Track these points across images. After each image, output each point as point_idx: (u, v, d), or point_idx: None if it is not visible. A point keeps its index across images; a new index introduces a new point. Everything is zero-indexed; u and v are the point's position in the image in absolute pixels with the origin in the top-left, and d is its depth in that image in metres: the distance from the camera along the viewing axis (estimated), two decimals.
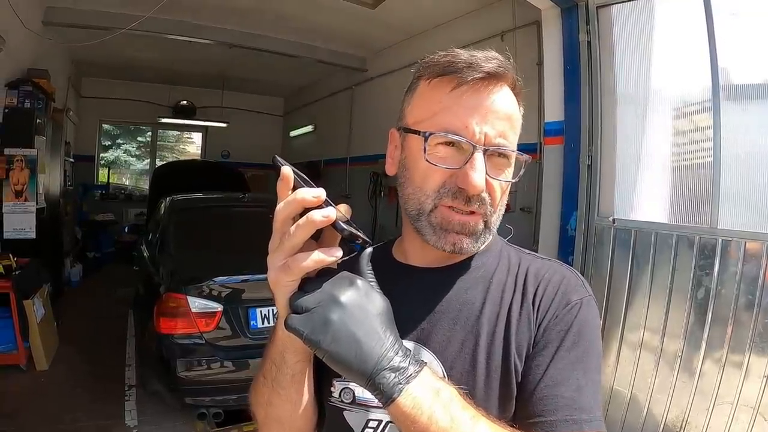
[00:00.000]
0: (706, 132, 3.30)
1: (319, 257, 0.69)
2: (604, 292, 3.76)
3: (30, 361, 4.71)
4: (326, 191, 0.69)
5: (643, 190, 3.76)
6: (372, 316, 0.72)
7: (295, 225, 0.67)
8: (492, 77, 0.83)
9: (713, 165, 3.23)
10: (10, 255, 4.83)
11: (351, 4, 5.98)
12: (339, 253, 0.70)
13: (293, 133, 12.38)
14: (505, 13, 5.51)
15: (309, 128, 11.50)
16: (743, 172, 3.14)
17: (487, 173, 0.82)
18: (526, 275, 0.91)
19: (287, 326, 0.71)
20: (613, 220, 3.80)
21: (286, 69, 9.54)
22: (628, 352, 3.66)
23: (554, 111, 4.32)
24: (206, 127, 12.60)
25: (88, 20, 6.50)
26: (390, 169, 0.95)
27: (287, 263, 0.69)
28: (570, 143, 4.15)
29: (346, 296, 0.71)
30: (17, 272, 4.72)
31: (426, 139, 0.83)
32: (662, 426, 3.41)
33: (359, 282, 0.74)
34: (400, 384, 0.69)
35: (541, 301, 0.87)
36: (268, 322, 3.75)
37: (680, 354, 3.32)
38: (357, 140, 9.16)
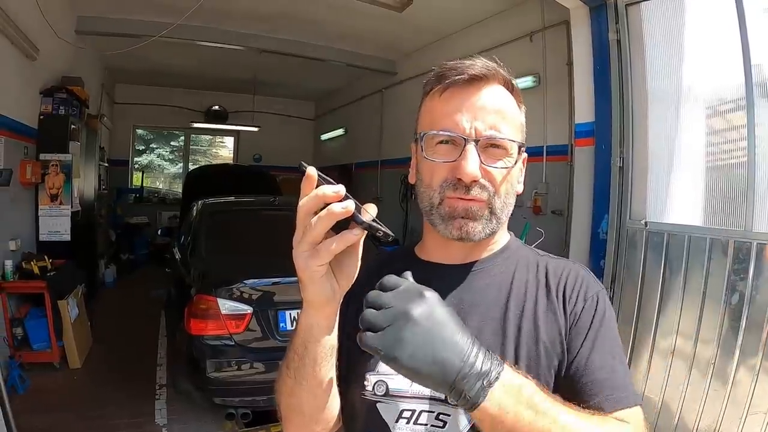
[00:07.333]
0: (740, 131, 3.22)
1: (344, 237, 0.71)
2: (635, 296, 3.66)
3: (63, 360, 4.83)
4: (357, 195, 0.73)
5: (676, 192, 3.69)
6: (445, 326, 0.73)
7: (316, 217, 0.70)
8: (476, 79, 0.92)
9: (747, 165, 3.14)
10: (46, 257, 4.98)
11: (378, 8, 5.99)
12: (359, 231, 0.72)
13: (324, 137, 12.46)
14: (533, 13, 5.49)
15: (340, 131, 11.57)
16: None
17: (483, 162, 0.90)
18: (546, 272, 0.99)
19: (363, 344, 0.72)
20: (646, 223, 3.74)
21: (315, 73, 9.60)
22: (660, 358, 3.58)
23: (585, 112, 4.28)
24: (238, 131, 12.75)
25: (119, 28, 6.68)
26: (411, 177, 1.04)
27: (317, 249, 0.72)
28: (601, 144, 4.10)
29: (418, 311, 0.72)
30: (52, 273, 4.85)
31: (421, 139, 0.95)
32: None
33: (428, 293, 0.75)
34: (485, 389, 0.71)
35: (563, 293, 0.95)
36: None
37: (713, 361, 3.23)
38: (388, 143, 9.19)
